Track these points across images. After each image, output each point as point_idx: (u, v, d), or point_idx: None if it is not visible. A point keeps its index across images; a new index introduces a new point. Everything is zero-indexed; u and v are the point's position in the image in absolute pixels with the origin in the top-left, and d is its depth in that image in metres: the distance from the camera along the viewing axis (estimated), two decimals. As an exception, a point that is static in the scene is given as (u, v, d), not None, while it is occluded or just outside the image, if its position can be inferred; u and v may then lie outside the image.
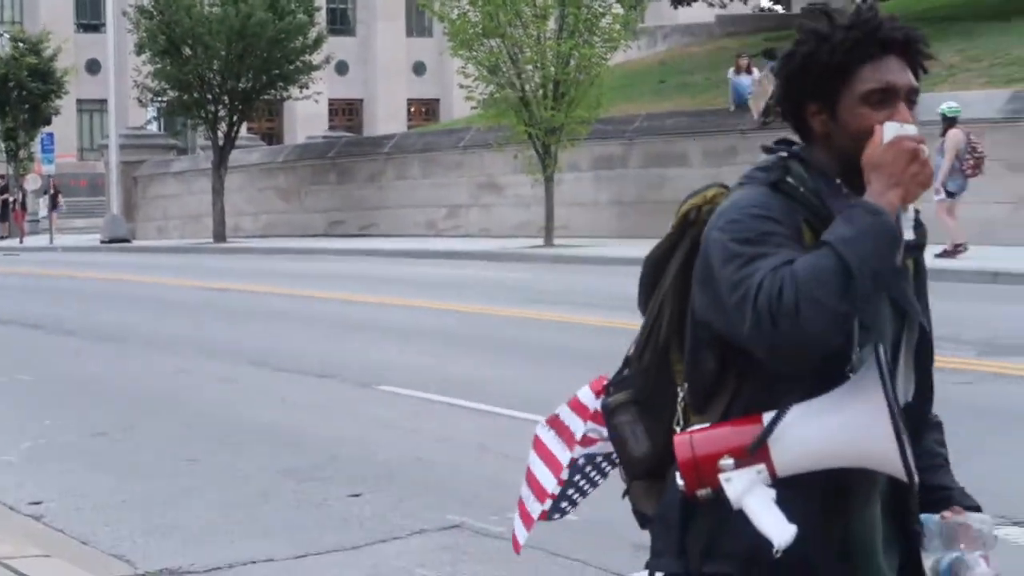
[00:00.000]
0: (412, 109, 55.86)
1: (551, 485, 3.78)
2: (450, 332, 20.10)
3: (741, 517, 3.17)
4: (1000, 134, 29.76)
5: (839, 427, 3.20)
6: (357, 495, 9.91)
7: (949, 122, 27.03)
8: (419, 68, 56.63)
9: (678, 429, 3.32)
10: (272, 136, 55.67)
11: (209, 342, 19.41)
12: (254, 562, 8.80)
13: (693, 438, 3.19)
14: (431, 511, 9.42)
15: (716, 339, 3.24)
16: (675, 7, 46.63)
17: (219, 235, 42.45)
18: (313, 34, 42.73)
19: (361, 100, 57.82)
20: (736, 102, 33.90)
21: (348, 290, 26.67)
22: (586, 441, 3.69)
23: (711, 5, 46.58)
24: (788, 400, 3.18)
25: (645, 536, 5.59)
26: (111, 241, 46.20)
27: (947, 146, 26.63)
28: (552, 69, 32.45)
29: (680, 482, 3.22)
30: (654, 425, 3.38)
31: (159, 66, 42.64)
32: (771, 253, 3.09)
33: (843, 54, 3.22)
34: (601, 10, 33.21)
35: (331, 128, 54.29)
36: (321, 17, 45.01)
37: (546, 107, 32.31)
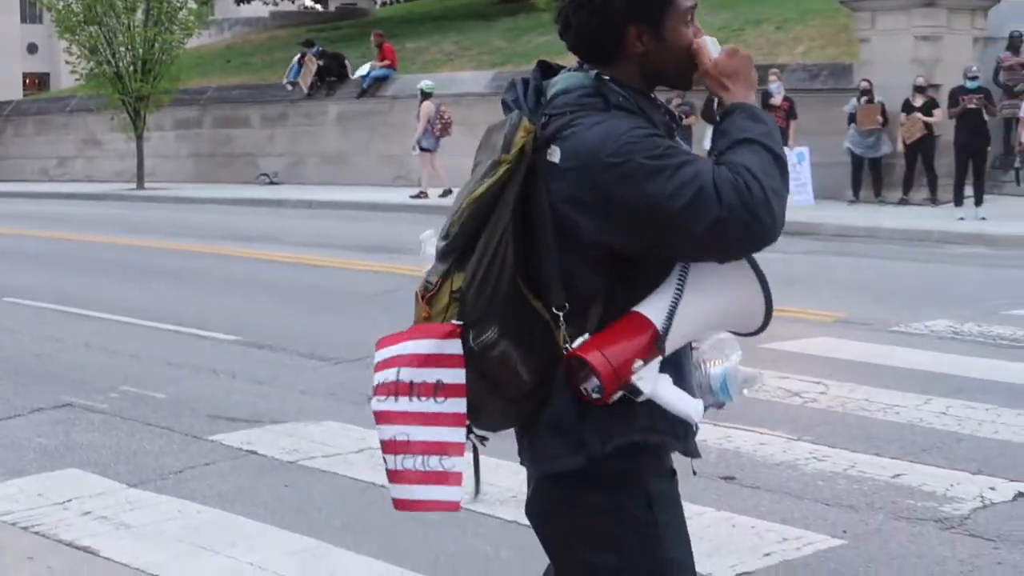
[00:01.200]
0: (27, 81, 53.64)
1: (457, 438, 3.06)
2: (66, 255, 19.10)
3: (628, 402, 2.95)
4: (485, 104, 30.07)
5: (720, 306, 3.04)
6: None
7: (425, 96, 28.06)
8: (32, 48, 54.30)
9: (569, 347, 2.93)
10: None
11: None
12: None
13: (605, 353, 2.88)
14: (46, 394, 9.08)
15: (607, 255, 2.94)
16: (238, 4, 46.98)
17: None
18: None
19: None
20: (290, 79, 34.07)
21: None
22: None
23: (265, 3, 46.89)
24: (644, 295, 2.97)
25: (220, 404, 7.12)
26: None
27: (421, 114, 27.79)
28: (140, 50, 32.68)
29: (595, 393, 2.90)
30: (523, 352, 2.94)
31: None
32: (691, 159, 2.85)
33: None
34: (179, 4, 33.64)
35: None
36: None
37: (136, 80, 32.53)
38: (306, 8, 47.67)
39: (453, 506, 3.00)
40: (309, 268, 16.52)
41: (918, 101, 23.10)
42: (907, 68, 23.95)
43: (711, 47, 2.98)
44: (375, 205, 26.68)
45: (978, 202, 21.71)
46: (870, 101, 23.70)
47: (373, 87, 31.94)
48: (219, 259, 17.53)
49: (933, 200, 23.57)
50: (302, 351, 10.86)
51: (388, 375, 2.97)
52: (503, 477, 5.93)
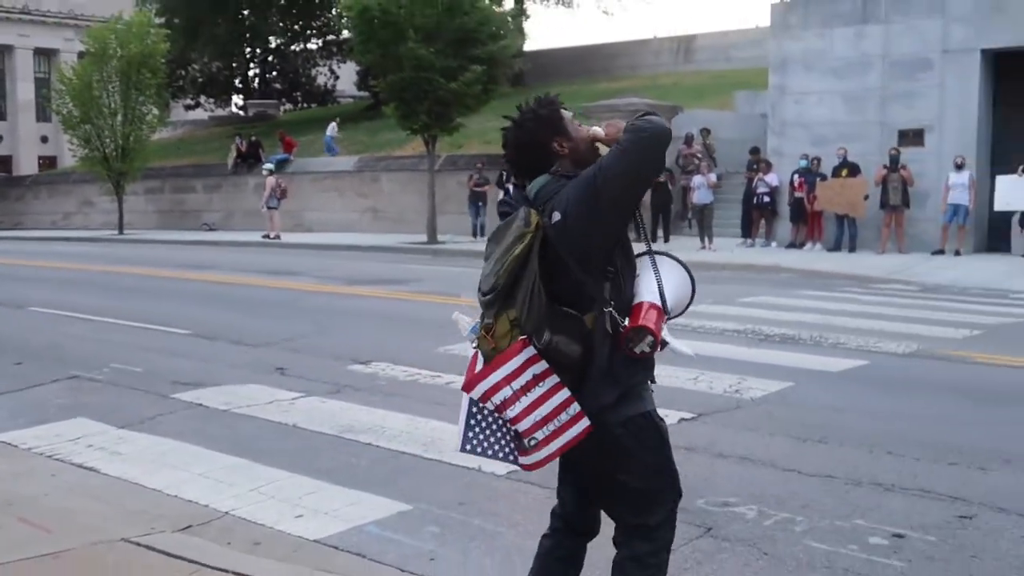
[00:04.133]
0: (41, 162, 51.77)
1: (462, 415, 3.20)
2: (71, 279, 18.88)
3: (636, 360, 3.04)
4: (351, 178, 29.96)
5: (674, 290, 3.10)
6: (19, 363, 9.29)
7: (270, 172, 28.66)
8: (44, 139, 52.57)
9: (626, 323, 3.00)
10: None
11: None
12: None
13: (650, 324, 2.97)
14: (60, 370, 8.92)
15: (601, 270, 3.03)
16: (186, 110, 46.10)
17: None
18: None
19: (11, 156, 53.03)
20: (232, 163, 33.40)
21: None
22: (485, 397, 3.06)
23: (206, 111, 46.09)
24: (624, 285, 3.08)
25: (178, 374, 7.02)
26: None
27: (267, 185, 28.27)
28: (120, 141, 31.27)
29: (649, 347, 2.98)
30: (566, 339, 2.95)
31: None
32: (600, 165, 2.99)
33: (555, 109, 3.15)
34: (145, 111, 32.14)
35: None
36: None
37: (117, 161, 31.34)
38: (233, 113, 47.07)
39: (589, 429, 2.98)
40: (236, 286, 16.36)
41: None
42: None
43: (596, 130, 3.16)
44: (282, 244, 26.36)
45: (666, 240, 22.27)
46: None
47: (280, 166, 31.51)
48: (176, 280, 17.22)
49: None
50: (232, 339, 10.83)
51: (505, 392, 2.98)
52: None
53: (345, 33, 35.24)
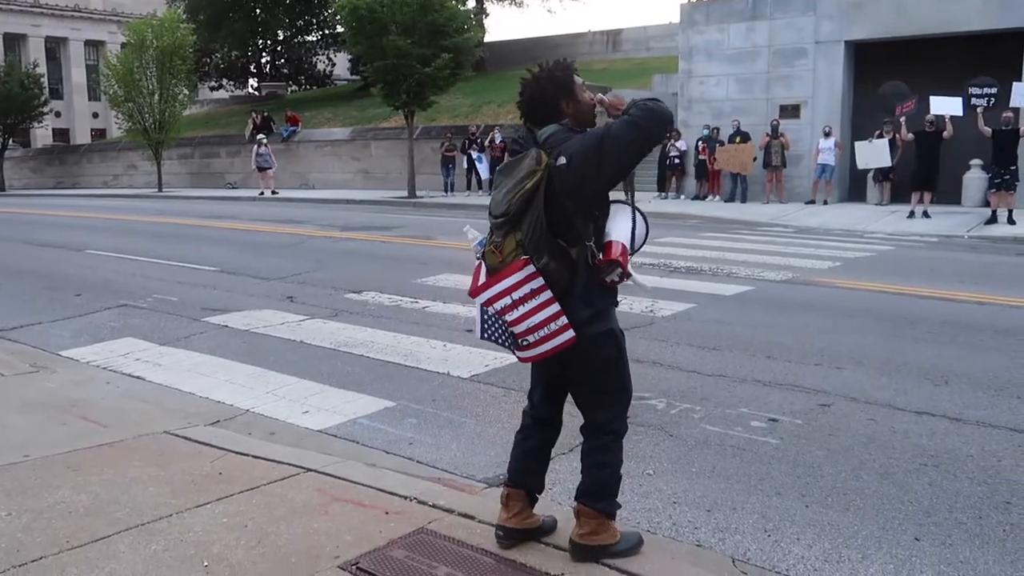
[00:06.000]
0: (93, 133, 50.55)
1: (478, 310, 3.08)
2: (119, 227, 18.16)
3: (612, 288, 3.02)
4: (347, 146, 29.60)
5: (636, 230, 3.01)
6: (79, 294, 9.12)
7: (260, 143, 28.41)
8: (95, 115, 51.19)
9: (600, 257, 2.91)
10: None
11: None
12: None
13: (620, 258, 2.90)
14: (112, 300, 8.83)
15: (591, 213, 2.92)
16: (211, 91, 44.83)
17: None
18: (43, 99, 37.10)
19: (68, 129, 52.01)
20: (249, 133, 31.42)
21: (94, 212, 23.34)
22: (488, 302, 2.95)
23: (227, 91, 45.01)
24: (603, 228, 2.97)
25: (208, 302, 7.34)
26: None
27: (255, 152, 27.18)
28: (157, 116, 29.78)
29: (617, 278, 2.94)
30: (559, 264, 2.86)
31: None
32: (609, 126, 2.88)
33: (568, 74, 3.03)
34: (177, 92, 30.20)
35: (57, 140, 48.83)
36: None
37: (156, 132, 29.88)
38: (249, 93, 46.13)
39: (573, 340, 2.91)
40: (253, 232, 15.99)
41: (514, 147, 22.69)
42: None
43: (601, 97, 3.05)
44: (290, 199, 25.79)
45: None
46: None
47: (289, 136, 31.01)
48: (205, 228, 16.84)
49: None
50: (251, 274, 10.68)
51: (505, 301, 2.89)
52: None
53: (339, 28, 34.43)
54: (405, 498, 3.67)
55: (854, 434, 4.79)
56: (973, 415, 5.07)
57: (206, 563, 3.14)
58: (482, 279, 3.00)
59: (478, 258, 3.03)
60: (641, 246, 3.05)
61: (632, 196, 3.05)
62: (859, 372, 6.01)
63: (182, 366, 6.41)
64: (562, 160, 2.89)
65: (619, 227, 2.97)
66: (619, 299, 3.14)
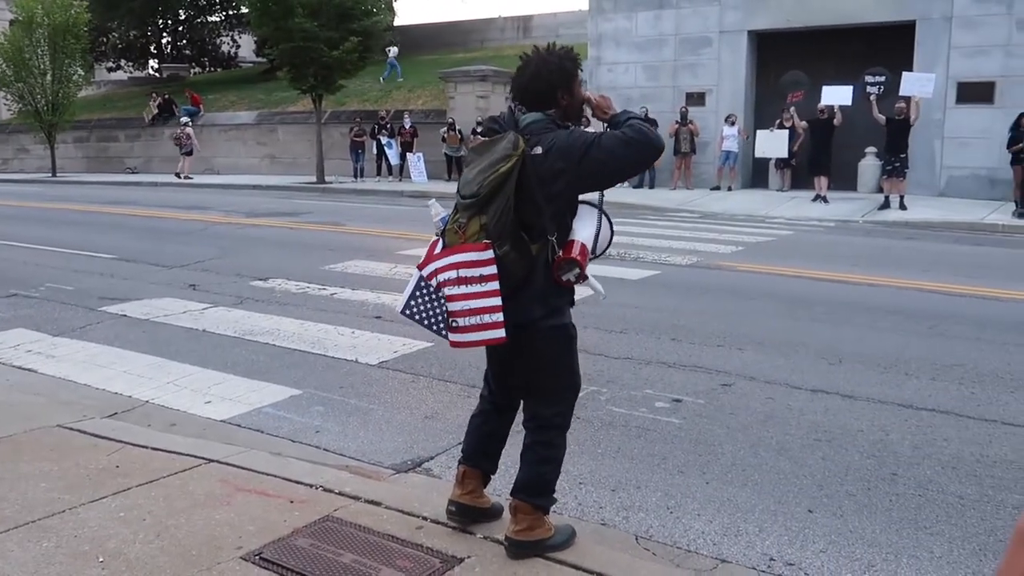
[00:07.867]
0: None
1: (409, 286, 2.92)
2: (9, 214, 17.56)
3: (568, 288, 2.98)
4: (252, 130, 28.95)
5: (600, 234, 2.97)
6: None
7: (184, 126, 27.57)
8: None
9: (559, 254, 2.86)
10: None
11: None
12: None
13: (579, 257, 2.86)
14: (2, 289, 8.78)
15: (557, 211, 2.86)
16: (109, 72, 42.90)
17: None
18: None
19: None
20: (150, 116, 31.38)
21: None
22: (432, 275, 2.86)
23: (126, 72, 43.28)
24: (568, 228, 2.92)
25: (105, 291, 6.72)
26: None
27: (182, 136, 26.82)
28: (50, 97, 28.92)
29: (574, 277, 2.89)
30: (518, 257, 2.80)
31: None
32: (599, 135, 2.84)
33: (576, 67, 2.98)
34: (71, 72, 29.12)
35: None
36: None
37: (48, 114, 29.04)
38: (150, 75, 44.51)
39: (501, 340, 2.85)
40: (154, 218, 15.57)
41: (479, 130, 22.69)
42: (472, 113, 23.92)
43: (591, 96, 2.99)
44: (194, 184, 25.11)
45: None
46: (453, 130, 23.33)
47: (192, 118, 29.95)
48: (103, 214, 16.36)
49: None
50: (151, 261, 10.42)
51: (450, 274, 2.82)
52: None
53: (244, 8, 33.53)
54: (311, 486, 3.64)
55: (753, 412, 4.91)
56: (864, 392, 5.26)
57: (101, 559, 3.04)
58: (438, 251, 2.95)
59: (437, 235, 2.97)
60: (604, 252, 3.02)
61: (601, 199, 3.02)
62: (759, 353, 6.18)
63: (77, 357, 6.21)
64: (538, 150, 2.84)
65: (583, 228, 2.94)
66: (575, 299, 3.11)
